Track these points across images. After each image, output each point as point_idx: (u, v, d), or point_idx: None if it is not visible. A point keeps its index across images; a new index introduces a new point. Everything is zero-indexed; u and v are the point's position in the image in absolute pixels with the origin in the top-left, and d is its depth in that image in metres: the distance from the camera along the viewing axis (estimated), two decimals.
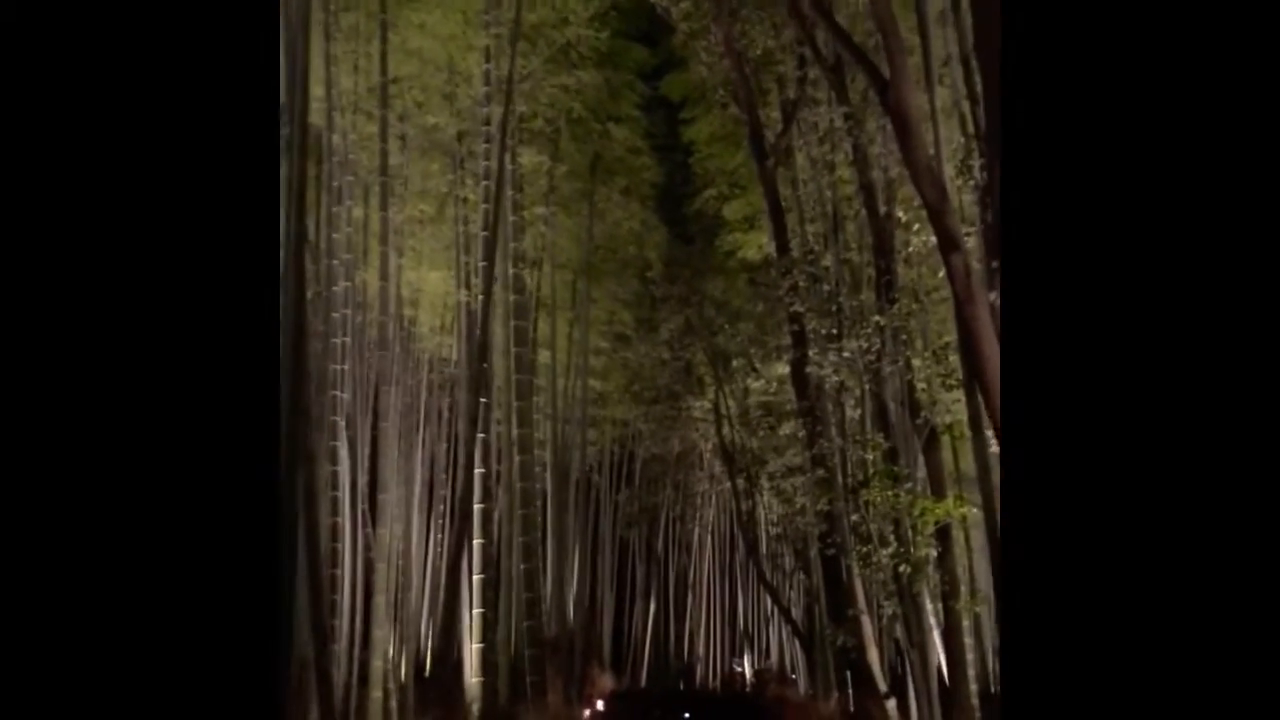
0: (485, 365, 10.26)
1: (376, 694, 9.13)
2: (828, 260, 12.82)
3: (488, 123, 11.53)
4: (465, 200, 13.81)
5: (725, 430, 20.02)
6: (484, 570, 9.80)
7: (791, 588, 24.02)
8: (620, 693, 24.36)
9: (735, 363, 16.21)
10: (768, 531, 23.64)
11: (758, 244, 17.29)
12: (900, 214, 11.44)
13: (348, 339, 11.94)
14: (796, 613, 22.62)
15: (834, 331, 12.44)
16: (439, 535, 16.55)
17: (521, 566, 11.64)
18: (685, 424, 23.98)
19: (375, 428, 10.10)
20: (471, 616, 10.39)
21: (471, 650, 9.56)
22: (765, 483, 20.81)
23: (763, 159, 14.30)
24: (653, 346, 21.28)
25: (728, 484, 21.97)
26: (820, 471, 12.20)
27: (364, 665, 9.57)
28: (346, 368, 11.72)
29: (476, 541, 9.87)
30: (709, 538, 30.74)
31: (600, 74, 15.77)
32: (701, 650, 30.62)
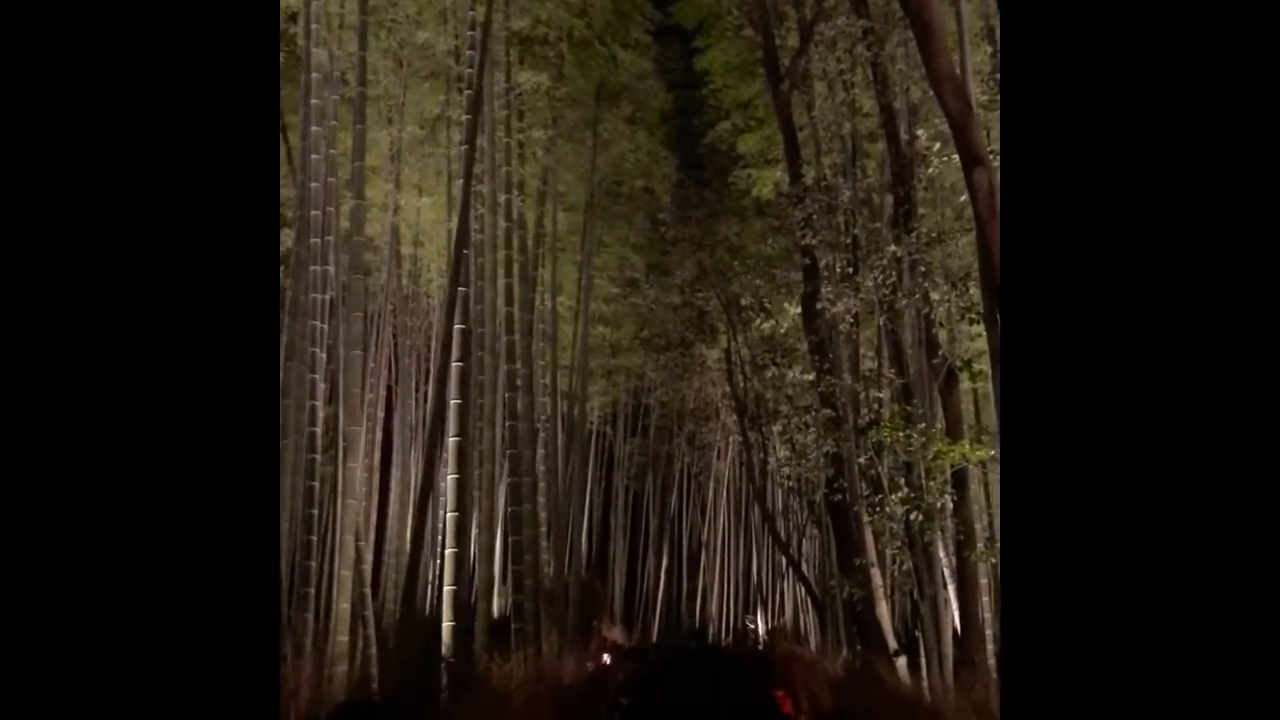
0: (463, 289, 9.43)
1: (342, 639, 8.46)
2: (843, 189, 11.93)
3: (473, 27, 10.64)
4: (460, 123, 12.93)
5: (738, 379, 19.31)
6: (458, 508, 9.04)
7: (805, 542, 23.32)
8: (629, 649, 23.91)
9: (746, 303, 15.32)
10: (781, 485, 22.89)
11: (773, 180, 16.38)
12: (921, 134, 10.55)
13: (329, 267, 11.18)
14: (809, 569, 21.96)
15: (848, 265, 11.60)
16: (416, 473, 15.77)
17: (510, 509, 10.92)
18: (697, 372, 23.27)
19: (346, 357, 9.34)
20: (443, 557, 9.74)
21: (445, 594, 8.85)
22: (777, 433, 20.19)
23: (777, 83, 13.43)
24: (664, 291, 20.49)
25: (741, 439, 21.26)
26: (828, 411, 11.37)
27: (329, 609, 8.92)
28: (327, 297, 10.97)
29: (450, 476, 9.11)
30: (723, 493, 30.16)
31: None
32: (715, 607, 30.11)
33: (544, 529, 14.25)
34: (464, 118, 10.32)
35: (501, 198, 11.84)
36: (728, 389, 20.84)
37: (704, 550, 30.04)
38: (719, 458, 28.87)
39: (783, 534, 23.36)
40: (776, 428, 20.06)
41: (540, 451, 15.75)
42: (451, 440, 9.26)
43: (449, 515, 9.09)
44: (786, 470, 20.68)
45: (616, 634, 24.46)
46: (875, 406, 10.80)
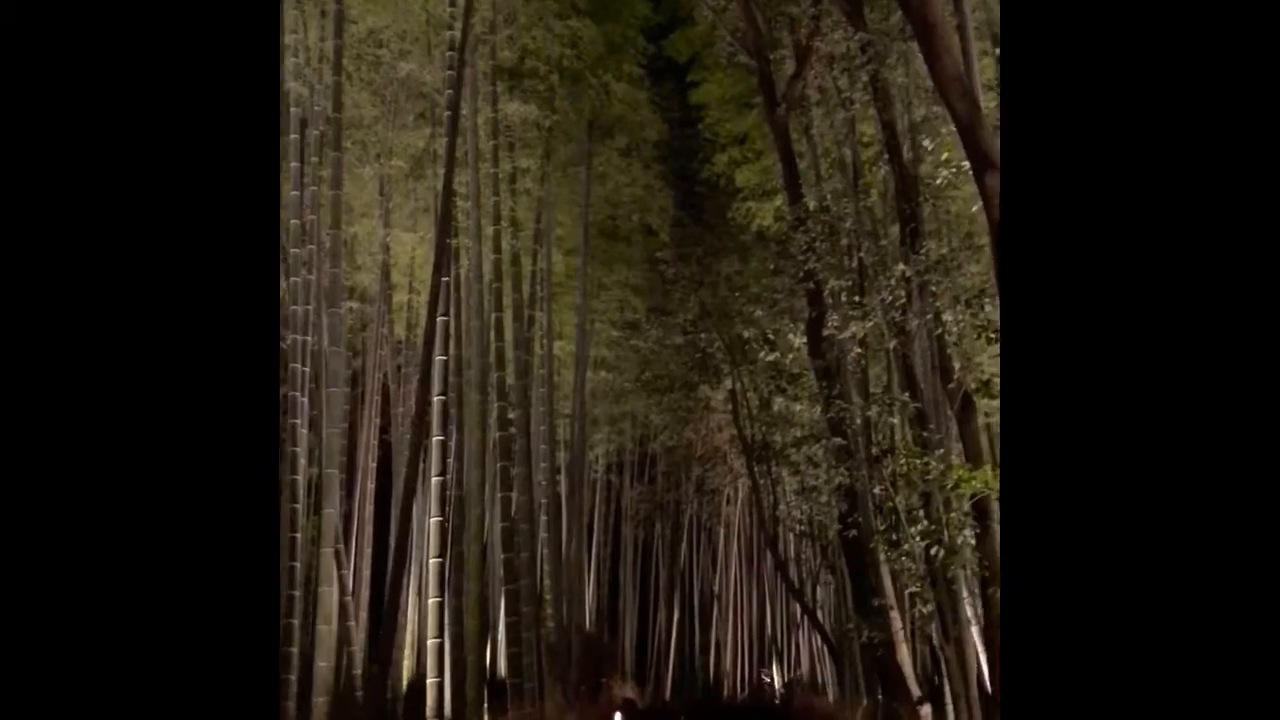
0: (444, 317, 8.87)
1: (321, 700, 7.77)
2: (847, 211, 11.39)
3: (452, 47, 10.18)
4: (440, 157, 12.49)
5: (743, 419, 18.73)
6: (440, 554, 8.37)
7: (819, 589, 22.54)
8: (639, 706, 23.11)
9: (749, 336, 14.71)
10: (793, 529, 22.18)
11: (773, 211, 15.88)
12: (926, 143, 10.02)
13: (310, 305, 10.66)
14: (824, 616, 21.16)
15: (854, 289, 11.03)
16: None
17: (501, 556, 10.26)
18: (702, 415, 22.69)
19: (326, 399, 8.76)
20: (424, 607, 9.07)
21: (429, 646, 8.17)
22: (787, 476, 19.56)
23: (774, 107, 12.97)
24: (666, 332, 19.97)
25: (749, 482, 20.61)
26: (838, 440, 10.70)
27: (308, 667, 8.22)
28: (309, 339, 10.43)
29: (432, 520, 8.45)
30: (734, 541, 29.46)
31: (598, 26, 14.40)
32: (729, 660, 29.31)
33: (543, 579, 13.56)
34: (443, 140, 9.84)
35: (490, 229, 11.32)
36: (734, 431, 20.28)
37: (716, 602, 29.33)
38: (728, 503, 28.19)
39: (796, 581, 22.58)
40: (785, 470, 19.48)
41: (541, 500, 15.14)
42: (434, 480, 8.62)
43: (432, 561, 8.42)
44: (797, 513, 20.02)
45: (629, 691, 23.70)
46: (888, 433, 10.15)
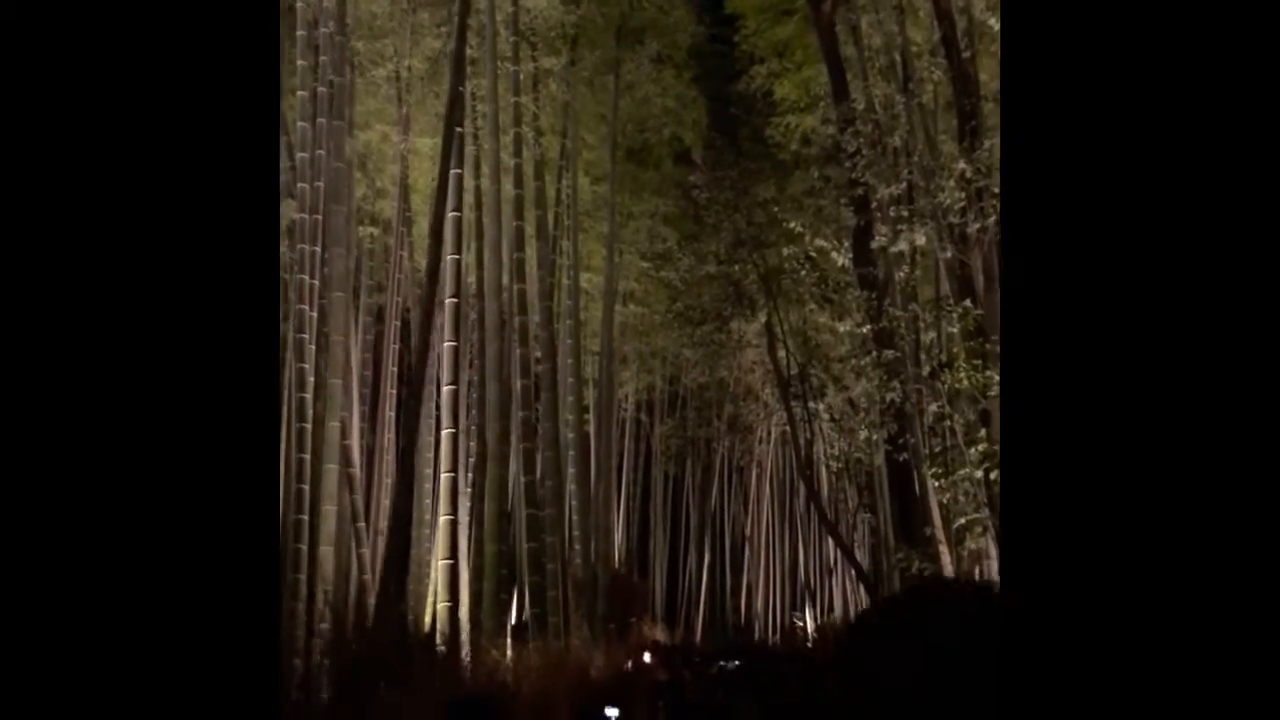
0: (456, 213, 8.04)
1: (323, 626, 7.15)
2: (898, 108, 10.43)
3: None
4: (468, 59, 11.58)
5: (779, 351, 17.91)
6: (452, 468, 7.63)
7: (855, 530, 21.84)
8: (668, 647, 22.70)
9: (788, 256, 13.76)
10: (828, 467, 21.43)
11: (815, 124, 14.86)
12: (993, 21, 9.05)
13: (319, 216, 9.89)
14: (861, 556, 20.45)
15: (905, 195, 10.13)
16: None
17: (523, 478, 9.54)
18: (735, 352, 21.90)
19: (324, 299, 8.00)
20: (435, 526, 8.36)
21: (439, 567, 7.49)
22: (823, 411, 18.79)
23: (819, 3, 12.00)
24: (698, 260, 19.07)
25: (784, 424, 19.84)
26: (889, 352, 9.82)
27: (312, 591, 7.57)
28: (317, 249, 9.67)
29: (445, 431, 7.71)
30: (766, 484, 28.87)
31: None
32: (760, 604, 28.90)
33: (570, 514, 12.86)
34: (455, 20, 8.92)
35: (513, 131, 10.47)
36: (768, 367, 19.49)
37: (748, 544, 28.85)
38: (761, 443, 27.53)
39: (831, 518, 21.88)
40: (821, 404, 18.69)
41: (568, 435, 14.48)
42: (447, 388, 7.84)
43: (444, 476, 7.67)
44: (834, 449, 19.27)
45: (658, 633, 23.32)
46: (945, 346, 9.29)
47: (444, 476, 7.45)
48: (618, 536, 22.81)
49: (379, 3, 11.95)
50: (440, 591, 7.42)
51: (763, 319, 18.43)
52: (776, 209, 15.05)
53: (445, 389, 7.71)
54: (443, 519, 7.42)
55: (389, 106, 12.64)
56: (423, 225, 15.42)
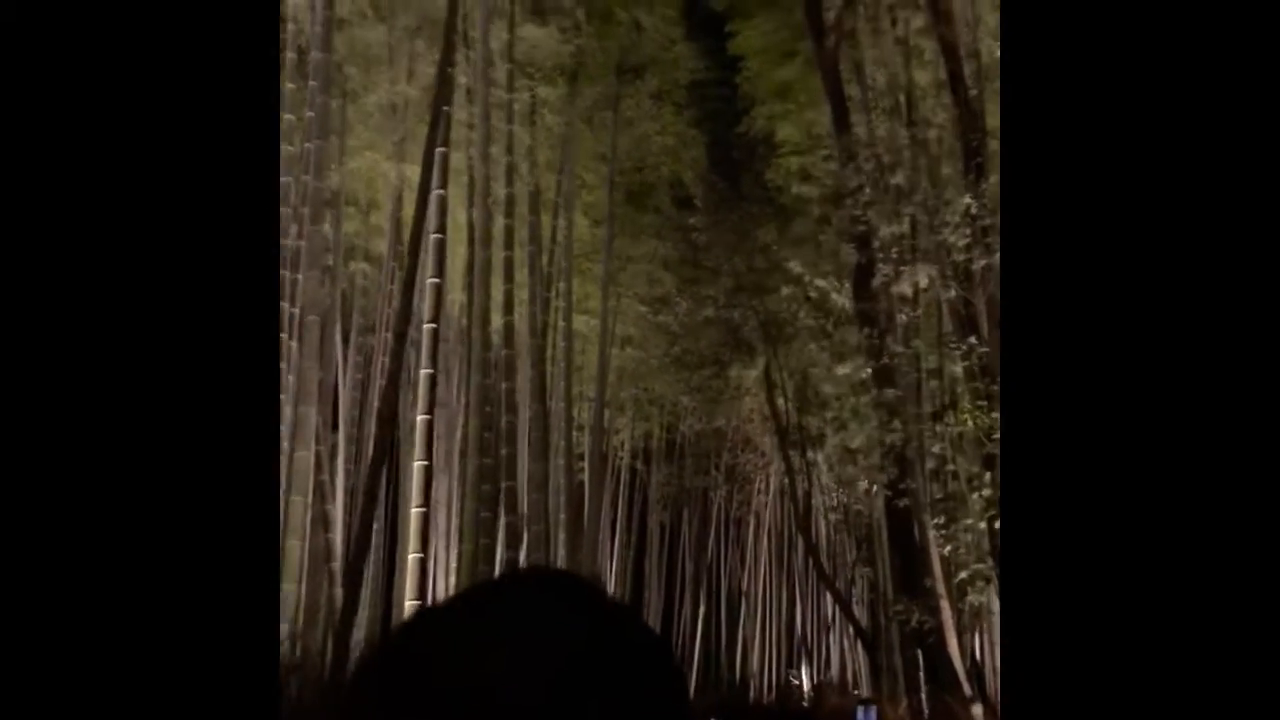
0: (439, 235, 7.68)
1: (284, 626, 6.66)
2: (901, 143, 10.15)
3: None
4: (462, 86, 11.33)
5: (778, 399, 17.57)
6: (423, 504, 7.16)
7: (854, 584, 21.35)
8: None
9: (787, 297, 13.42)
10: (827, 519, 21.01)
11: (817, 164, 14.60)
12: (997, 47, 8.77)
13: (302, 242, 9.55)
14: (859, 611, 19.93)
15: (908, 233, 9.81)
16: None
17: (505, 519, 9.10)
18: (733, 400, 21.58)
19: (301, 331, 7.60)
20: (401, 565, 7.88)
21: (407, 607, 7.02)
22: (822, 461, 18.43)
23: (821, 39, 11.78)
24: (697, 304, 18.81)
25: (783, 474, 19.45)
26: (889, 391, 9.41)
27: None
28: (298, 278, 9.32)
29: (418, 464, 7.28)
30: (764, 537, 28.45)
31: None
32: (756, 660, 28.37)
33: (556, 560, 12.39)
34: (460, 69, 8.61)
35: (505, 160, 10.15)
36: (766, 415, 19.15)
37: (744, 598, 28.34)
38: (759, 493, 27.13)
39: (830, 573, 21.38)
40: (820, 460, 18.34)
41: (559, 482, 14.07)
42: (420, 419, 7.43)
43: (414, 511, 7.23)
44: (832, 501, 18.88)
45: None
46: (948, 387, 8.91)
47: (414, 511, 7.02)
48: (610, 586, 22.33)
49: (375, 30, 11.73)
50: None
51: (762, 365, 18.17)
52: (778, 251, 14.77)
53: (419, 419, 7.30)
54: (411, 557, 6.97)
55: (381, 137, 12.37)
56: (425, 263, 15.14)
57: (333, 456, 10.04)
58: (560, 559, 12.67)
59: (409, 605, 7.08)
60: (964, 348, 8.29)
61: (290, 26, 10.18)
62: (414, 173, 12.85)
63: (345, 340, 13.66)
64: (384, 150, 12.84)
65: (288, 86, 9.99)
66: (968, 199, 8.61)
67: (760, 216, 17.72)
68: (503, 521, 9.08)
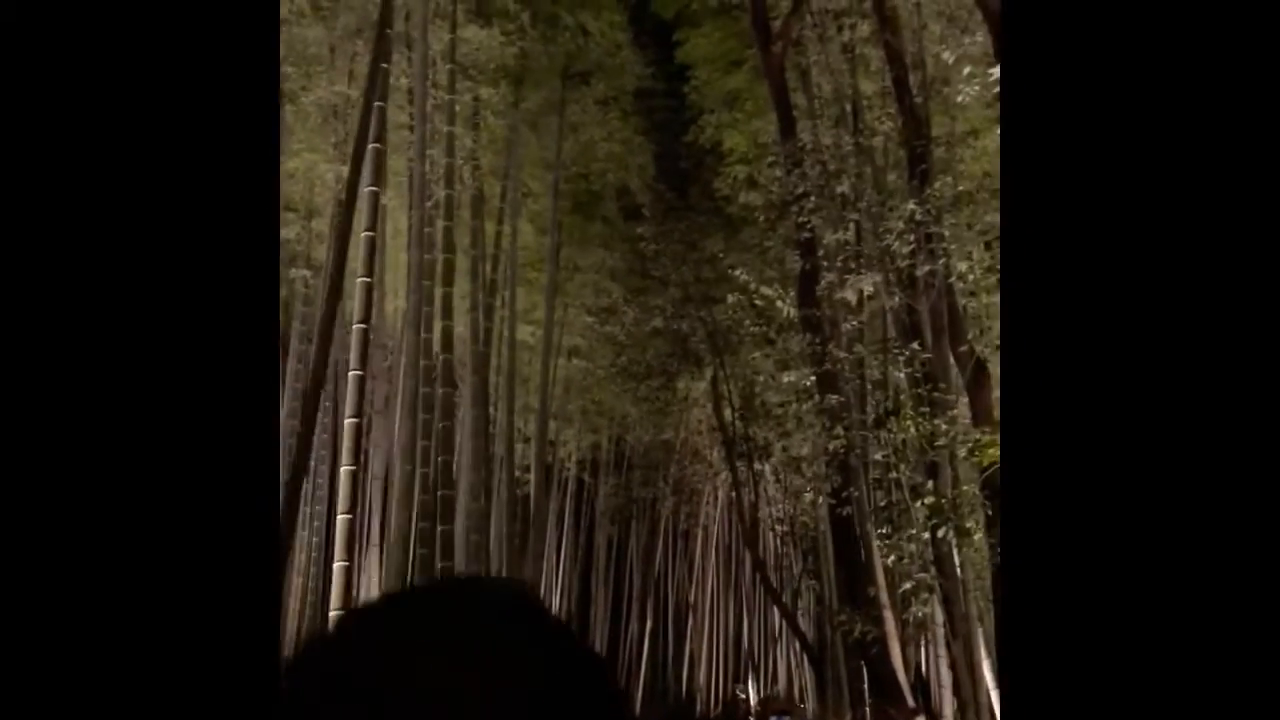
0: (369, 233, 7.40)
1: None
2: (846, 149, 10.07)
3: None
4: (400, 89, 11.09)
5: (725, 410, 17.47)
6: (349, 510, 6.79)
7: (800, 598, 21.25)
8: None
9: (733, 305, 13.30)
10: (774, 530, 20.90)
11: (760, 170, 14.53)
12: (947, 55, 8.73)
13: None
14: (806, 624, 19.82)
15: (853, 240, 9.72)
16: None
17: (440, 528, 8.83)
18: (681, 412, 21.45)
19: None
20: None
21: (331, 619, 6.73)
22: (769, 473, 18.35)
23: (768, 45, 11.69)
24: (644, 314, 18.64)
25: (730, 488, 19.33)
26: (833, 397, 9.29)
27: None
28: None
29: (344, 469, 6.97)
30: (712, 551, 28.34)
31: None
32: (703, 674, 28.22)
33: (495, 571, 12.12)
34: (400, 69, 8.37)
35: (444, 161, 9.91)
36: (714, 426, 19.03)
37: (691, 612, 28.18)
38: (707, 504, 27.01)
39: (776, 586, 21.27)
40: (768, 471, 18.27)
41: (503, 491, 13.79)
42: (348, 422, 7.13)
43: (340, 518, 6.92)
44: (779, 512, 18.78)
45: None
46: (892, 394, 8.81)
47: (340, 518, 6.75)
48: (556, 599, 22.03)
49: (313, 28, 11.44)
50: None
51: (709, 376, 18.06)
52: (725, 262, 14.68)
53: (347, 422, 7.01)
54: (337, 565, 6.67)
55: (320, 139, 12.06)
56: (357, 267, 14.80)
57: None
58: (501, 570, 12.40)
59: (333, 614, 6.78)
60: (907, 353, 8.21)
61: None
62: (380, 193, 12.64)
63: (284, 348, 13.31)
64: (324, 153, 12.55)
65: None
66: (912, 205, 8.53)
67: (708, 226, 17.63)
68: (438, 530, 8.82)
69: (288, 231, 13.48)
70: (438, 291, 9.67)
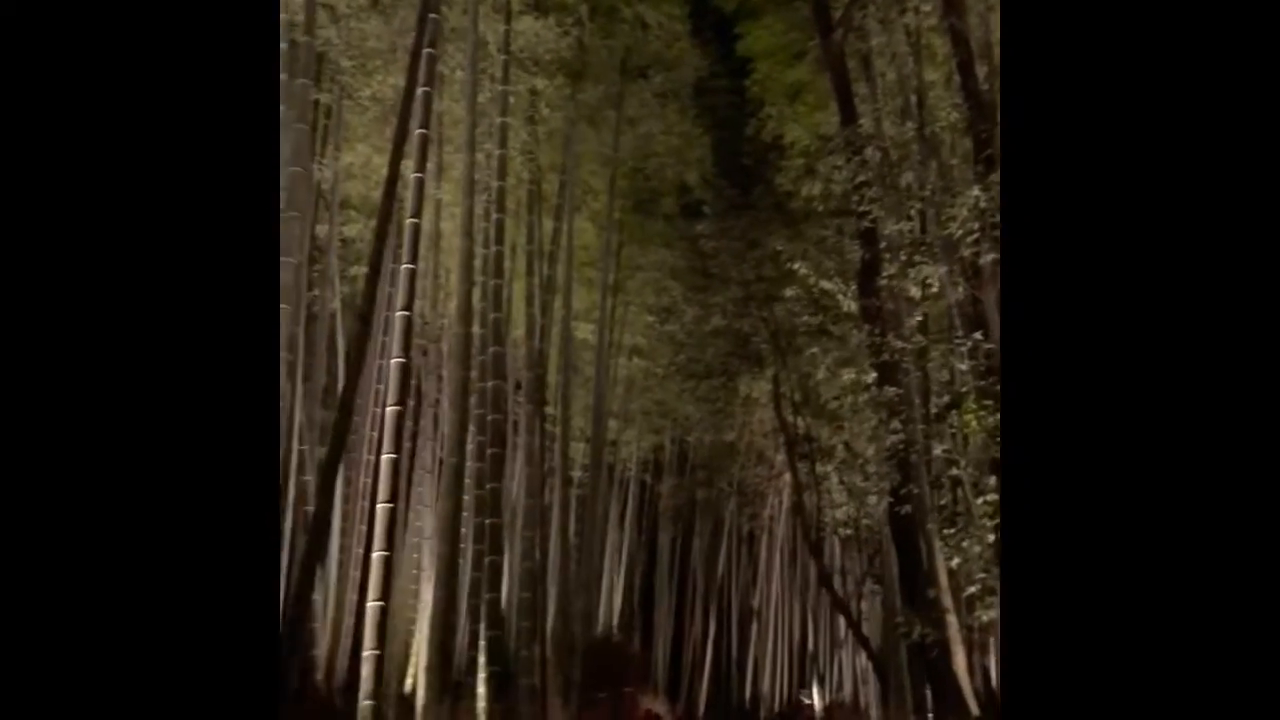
0: (415, 220, 7.29)
1: None
2: (909, 136, 9.73)
3: None
4: (456, 81, 11.01)
5: (786, 410, 17.17)
6: (390, 498, 6.64)
7: (864, 602, 20.81)
8: None
9: (792, 298, 12.98)
10: (838, 534, 20.51)
11: (828, 167, 14.22)
12: None
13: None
14: (870, 630, 19.39)
15: (917, 229, 9.40)
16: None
17: (489, 521, 8.68)
18: (742, 412, 21.14)
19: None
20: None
21: (369, 609, 6.57)
22: (833, 474, 18.01)
23: (828, 33, 11.42)
24: (705, 312, 18.41)
25: (794, 492, 18.99)
26: (891, 389, 8.96)
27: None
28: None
29: (385, 457, 6.81)
30: (776, 554, 27.94)
31: None
32: (767, 679, 27.85)
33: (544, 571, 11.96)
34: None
35: (497, 153, 9.79)
36: (776, 425, 18.73)
37: (755, 617, 27.80)
38: (771, 505, 26.64)
39: (841, 592, 20.86)
40: (832, 473, 17.93)
41: (556, 488, 13.65)
42: (390, 409, 7.01)
43: (381, 507, 6.80)
44: (840, 513, 18.41)
45: (659, 705, 22.34)
46: (954, 387, 8.47)
47: (380, 507, 6.62)
48: (618, 601, 21.89)
49: (371, 22, 11.42)
50: (367, 638, 6.50)
51: (771, 375, 17.77)
52: (785, 257, 14.39)
53: (389, 410, 6.90)
54: (376, 555, 6.54)
55: (374, 132, 12.05)
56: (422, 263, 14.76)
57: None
58: (554, 567, 12.25)
59: (371, 606, 6.66)
60: (969, 344, 7.87)
61: (284, 17, 9.88)
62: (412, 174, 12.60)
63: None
64: (382, 149, 12.55)
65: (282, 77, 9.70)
66: (976, 191, 8.19)
67: (770, 224, 17.32)
68: (487, 524, 8.68)
69: (349, 230, 13.51)
70: (490, 284, 9.56)
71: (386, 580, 6.46)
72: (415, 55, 7.18)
